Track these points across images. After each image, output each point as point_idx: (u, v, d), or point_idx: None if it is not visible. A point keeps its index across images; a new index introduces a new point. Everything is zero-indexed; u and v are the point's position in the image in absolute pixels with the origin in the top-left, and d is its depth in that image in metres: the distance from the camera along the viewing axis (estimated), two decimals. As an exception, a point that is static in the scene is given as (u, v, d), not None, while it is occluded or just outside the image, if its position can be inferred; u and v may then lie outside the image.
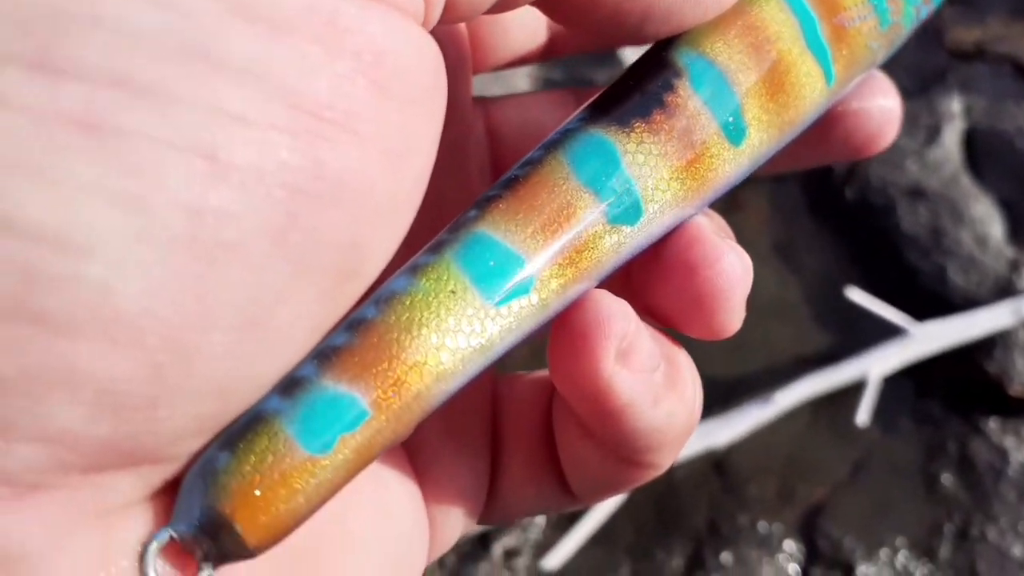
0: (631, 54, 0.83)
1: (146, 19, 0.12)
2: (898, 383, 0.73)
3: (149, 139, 0.12)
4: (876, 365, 0.71)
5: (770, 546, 0.68)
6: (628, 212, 0.16)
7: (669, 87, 0.17)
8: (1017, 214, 0.80)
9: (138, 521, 0.14)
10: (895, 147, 0.81)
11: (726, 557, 0.68)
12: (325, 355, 0.14)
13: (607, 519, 0.68)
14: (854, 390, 0.71)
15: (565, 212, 0.16)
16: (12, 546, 0.12)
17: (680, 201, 0.17)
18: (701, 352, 0.19)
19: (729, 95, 0.17)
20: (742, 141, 0.17)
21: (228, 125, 0.12)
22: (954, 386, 0.74)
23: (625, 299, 0.17)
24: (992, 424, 0.72)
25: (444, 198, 0.17)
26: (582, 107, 0.18)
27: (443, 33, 0.15)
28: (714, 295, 0.17)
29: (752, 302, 0.18)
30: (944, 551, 0.68)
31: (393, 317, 0.15)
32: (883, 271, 0.78)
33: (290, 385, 0.14)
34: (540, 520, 0.69)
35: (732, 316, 0.18)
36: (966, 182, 0.82)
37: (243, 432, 0.14)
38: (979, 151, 0.84)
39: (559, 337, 0.17)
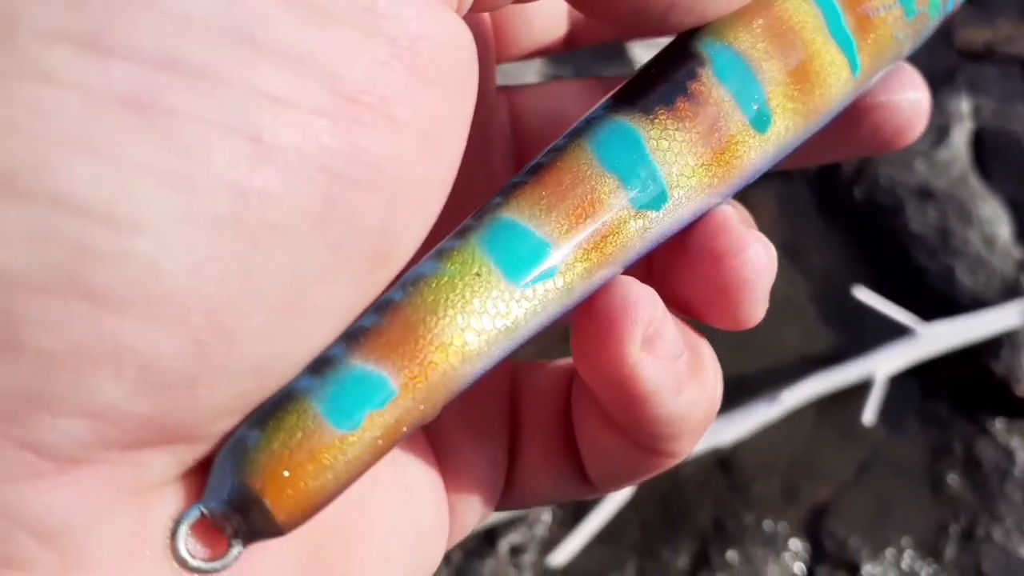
0: (640, 51, 0.83)
1: (195, 2, 0.12)
2: (904, 383, 0.73)
3: (197, 120, 0.12)
4: (883, 365, 0.71)
5: (775, 545, 0.68)
6: (653, 197, 0.17)
7: (692, 75, 0.17)
8: (1025, 215, 0.80)
9: (170, 499, 0.14)
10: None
11: (731, 555, 0.68)
12: (353, 336, 0.14)
13: (613, 516, 0.68)
14: (860, 389, 0.71)
15: (589, 197, 0.16)
16: (56, 520, 0.12)
17: (706, 187, 0.17)
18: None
19: (753, 83, 0.18)
20: (767, 128, 0.18)
21: (272, 108, 0.12)
22: (960, 386, 0.74)
23: None
24: (998, 425, 0.72)
25: (470, 185, 0.17)
26: (605, 97, 0.18)
27: (468, 21, 0.15)
28: (739, 285, 0.17)
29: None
30: (950, 551, 0.68)
31: (419, 299, 0.15)
32: (890, 271, 0.78)
33: (319, 365, 0.14)
34: (546, 517, 0.69)
35: (756, 306, 0.18)
36: (974, 182, 0.82)
37: (273, 410, 0.14)
38: (988, 152, 0.84)
39: (584, 322, 0.17)
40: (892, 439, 0.72)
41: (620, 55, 0.79)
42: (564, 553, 0.67)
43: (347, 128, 0.13)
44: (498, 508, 0.20)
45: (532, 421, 0.20)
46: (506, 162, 0.22)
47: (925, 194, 0.81)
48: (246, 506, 0.13)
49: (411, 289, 0.15)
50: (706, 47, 0.18)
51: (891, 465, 0.71)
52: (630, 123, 0.17)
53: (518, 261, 0.15)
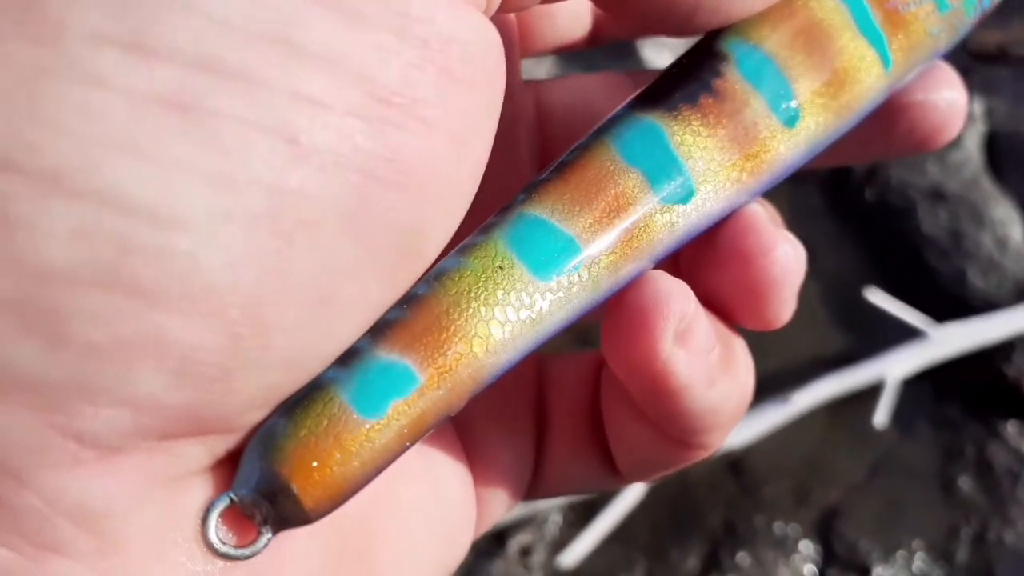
0: (651, 51, 0.83)
1: (233, 5, 0.13)
2: (916, 385, 0.72)
3: (236, 120, 0.12)
4: (894, 367, 0.71)
5: (786, 547, 0.68)
6: (679, 192, 0.17)
7: (716, 72, 0.18)
8: (1037, 217, 0.80)
9: (201, 489, 0.14)
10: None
11: (742, 557, 0.68)
12: (379, 329, 0.15)
13: (623, 518, 0.68)
14: (872, 392, 0.71)
15: (613, 191, 0.16)
16: (96, 506, 0.13)
17: (735, 182, 0.17)
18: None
19: (779, 79, 0.18)
20: (796, 124, 0.18)
21: (308, 109, 0.13)
22: (973, 389, 0.74)
23: None
24: (1010, 428, 0.72)
25: (497, 180, 0.18)
26: (629, 98, 0.18)
27: (494, 20, 0.15)
28: (768, 284, 0.17)
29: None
30: (961, 554, 0.68)
31: (443, 292, 0.15)
32: (902, 273, 0.78)
33: (346, 356, 0.15)
34: (556, 517, 0.69)
35: (784, 306, 0.18)
36: (987, 184, 0.82)
37: (301, 400, 0.14)
38: (1000, 154, 0.83)
39: (615, 317, 0.17)
40: (904, 442, 0.72)
41: (631, 55, 0.79)
42: (574, 554, 0.67)
43: (380, 129, 0.13)
44: (525, 499, 0.21)
45: (559, 412, 0.20)
46: (532, 157, 0.22)
47: (937, 196, 0.81)
48: (274, 493, 0.14)
49: (435, 283, 0.15)
50: (730, 45, 0.18)
51: (903, 468, 0.71)
52: (652, 119, 0.17)
53: (541, 254, 0.16)
